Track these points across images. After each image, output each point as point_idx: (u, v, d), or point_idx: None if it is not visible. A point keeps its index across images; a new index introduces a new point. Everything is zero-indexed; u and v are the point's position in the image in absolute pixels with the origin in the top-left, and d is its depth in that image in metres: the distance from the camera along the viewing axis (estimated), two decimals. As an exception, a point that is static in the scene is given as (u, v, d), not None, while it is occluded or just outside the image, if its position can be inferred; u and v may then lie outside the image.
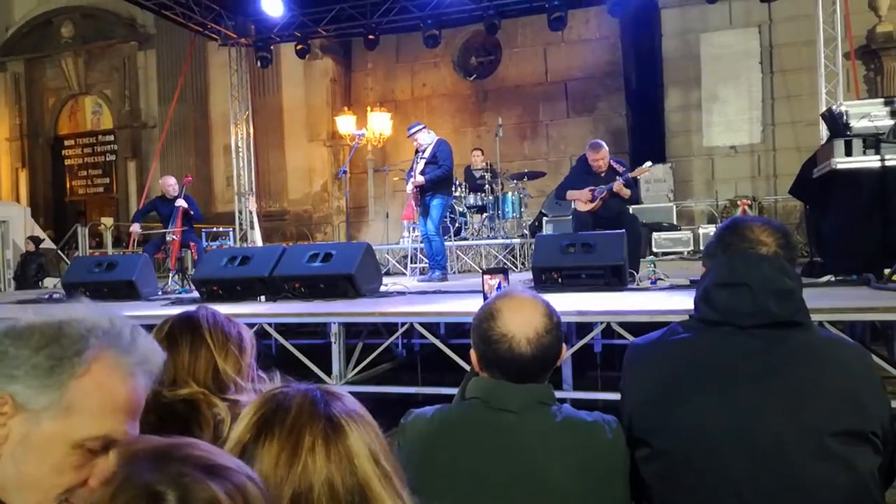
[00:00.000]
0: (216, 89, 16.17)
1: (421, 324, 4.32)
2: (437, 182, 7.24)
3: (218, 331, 1.61)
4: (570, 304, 4.02)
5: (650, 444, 1.47)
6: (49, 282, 11.41)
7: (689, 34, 13.18)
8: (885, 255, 4.66)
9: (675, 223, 11.75)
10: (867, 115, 5.12)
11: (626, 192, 6.32)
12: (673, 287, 5.07)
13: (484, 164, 10.36)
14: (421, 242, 8.20)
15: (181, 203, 8.16)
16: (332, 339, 4.37)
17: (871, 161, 4.99)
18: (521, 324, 1.47)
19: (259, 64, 13.06)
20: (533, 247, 7.19)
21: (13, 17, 18.47)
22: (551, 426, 1.46)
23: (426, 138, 7.40)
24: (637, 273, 5.53)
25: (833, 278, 4.75)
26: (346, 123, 14.06)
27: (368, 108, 14.46)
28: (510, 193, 10.14)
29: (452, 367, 4.03)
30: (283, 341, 4.55)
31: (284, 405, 1.01)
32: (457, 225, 9.85)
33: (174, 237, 8.03)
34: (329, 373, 4.39)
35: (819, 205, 5.80)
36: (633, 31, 13.93)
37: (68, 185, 18.78)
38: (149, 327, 1.62)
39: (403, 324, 4.40)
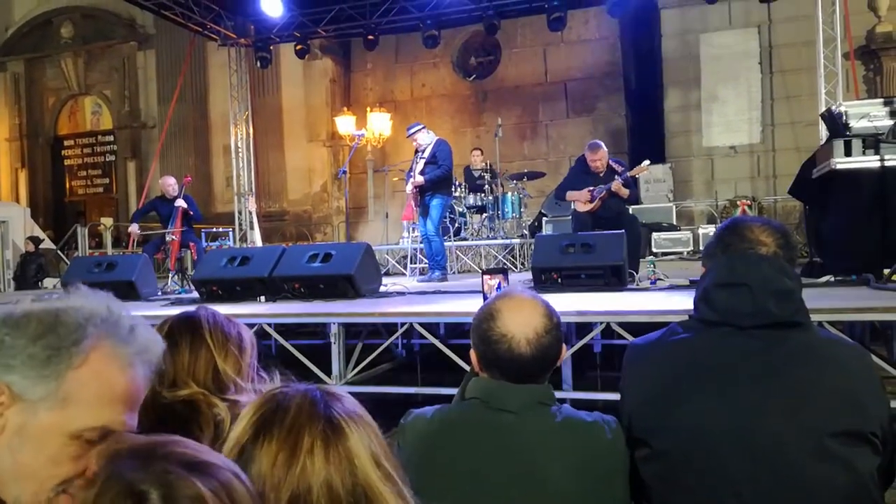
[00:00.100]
0: (216, 89, 16.16)
1: (420, 324, 4.32)
2: (437, 182, 7.24)
3: (218, 331, 1.61)
4: (569, 304, 4.02)
5: (650, 445, 1.47)
6: (49, 282, 11.41)
7: (688, 34, 13.19)
8: (884, 255, 4.67)
9: (674, 223, 11.76)
10: (866, 115, 5.12)
11: (625, 192, 6.32)
12: (672, 287, 5.07)
13: (483, 164, 10.37)
14: (420, 243, 8.20)
15: (181, 203, 8.16)
16: (332, 340, 4.37)
17: (870, 161, 5.00)
18: (520, 324, 1.47)
19: (259, 64, 13.07)
20: (532, 247, 7.19)
21: (13, 16, 18.47)
22: (551, 426, 1.46)
23: (425, 138, 7.40)
24: (637, 273, 5.53)
25: (832, 278, 4.75)
26: (345, 124, 14.06)
27: (368, 109, 14.47)
28: (510, 194, 10.14)
29: (452, 368, 4.03)
30: (282, 341, 4.55)
31: (283, 406, 1.01)
32: (456, 225, 9.85)
33: (174, 237, 8.03)
34: (329, 373, 4.39)
35: (818, 205, 5.80)
36: (633, 32, 13.93)
37: (68, 186, 18.77)
38: (142, 320, 1.62)
39: (403, 324, 4.40)
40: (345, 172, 8.04)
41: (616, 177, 6.34)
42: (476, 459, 1.42)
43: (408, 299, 5.47)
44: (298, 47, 12.70)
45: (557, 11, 11.11)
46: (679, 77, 13.50)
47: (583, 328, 4.25)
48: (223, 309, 1.76)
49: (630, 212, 7.16)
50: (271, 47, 13.08)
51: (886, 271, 4.41)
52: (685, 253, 10.93)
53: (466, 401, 1.53)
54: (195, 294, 6.13)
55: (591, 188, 6.42)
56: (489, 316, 1.50)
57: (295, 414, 0.99)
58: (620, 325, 3.82)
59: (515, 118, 14.59)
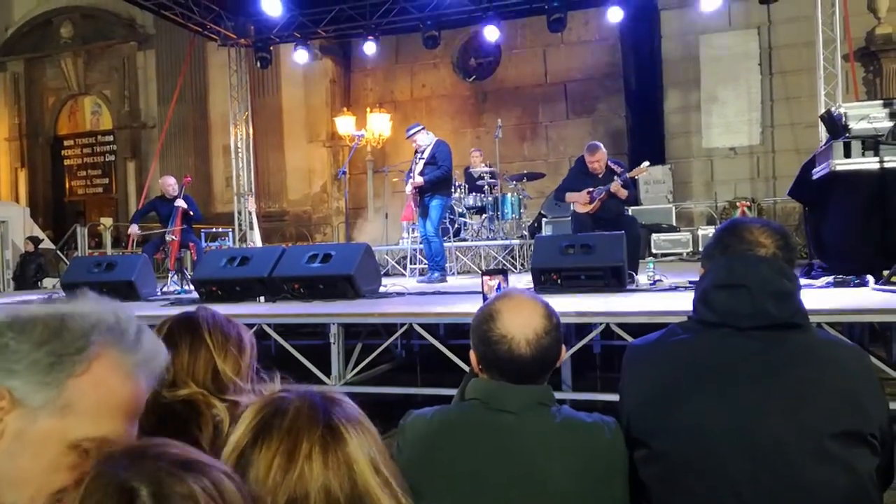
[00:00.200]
0: (215, 90, 16.16)
1: (420, 325, 4.32)
2: (436, 183, 7.24)
3: (217, 331, 1.61)
4: (569, 305, 4.03)
5: (649, 446, 1.47)
6: (48, 282, 11.41)
7: (688, 36, 13.19)
8: (883, 256, 4.67)
9: (674, 224, 11.77)
10: (866, 116, 5.13)
11: (624, 193, 6.33)
12: (672, 288, 5.07)
13: (483, 165, 10.37)
14: (420, 243, 8.20)
15: (180, 203, 8.16)
16: (332, 340, 4.37)
17: (869, 163, 5.00)
18: (520, 325, 1.47)
19: (258, 64, 13.06)
20: (532, 248, 7.19)
21: (13, 16, 18.47)
22: (551, 427, 1.46)
23: (425, 139, 7.41)
24: (636, 274, 5.53)
25: (832, 280, 4.75)
26: (345, 124, 14.06)
27: (368, 109, 14.47)
28: (509, 194, 10.14)
29: (452, 368, 4.03)
30: (282, 342, 4.55)
31: (282, 410, 1.00)
32: (456, 226, 9.85)
33: (173, 237, 8.02)
34: (328, 373, 4.39)
35: (818, 206, 5.81)
36: (633, 33, 13.93)
37: (67, 186, 18.77)
38: (148, 328, 1.62)
39: (402, 325, 4.41)
40: (345, 173, 8.04)
41: (615, 178, 6.35)
42: (476, 460, 1.42)
43: (407, 300, 5.48)
44: (298, 48, 12.70)
45: (557, 13, 11.11)
46: (679, 78, 13.51)
47: (582, 329, 4.25)
48: (223, 309, 1.76)
49: (629, 213, 7.17)
50: (271, 48, 13.07)
51: (886, 273, 4.41)
52: (685, 254, 10.94)
53: (466, 401, 1.53)
54: (195, 294, 6.14)
55: (591, 189, 6.43)
56: (489, 317, 1.50)
57: (294, 418, 0.99)
58: (620, 326, 3.82)
59: (515, 119, 14.59)
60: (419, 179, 7.21)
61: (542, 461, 1.41)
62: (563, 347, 1.55)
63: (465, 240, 9.95)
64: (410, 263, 9.66)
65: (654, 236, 11.17)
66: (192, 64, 15.71)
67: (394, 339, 4.64)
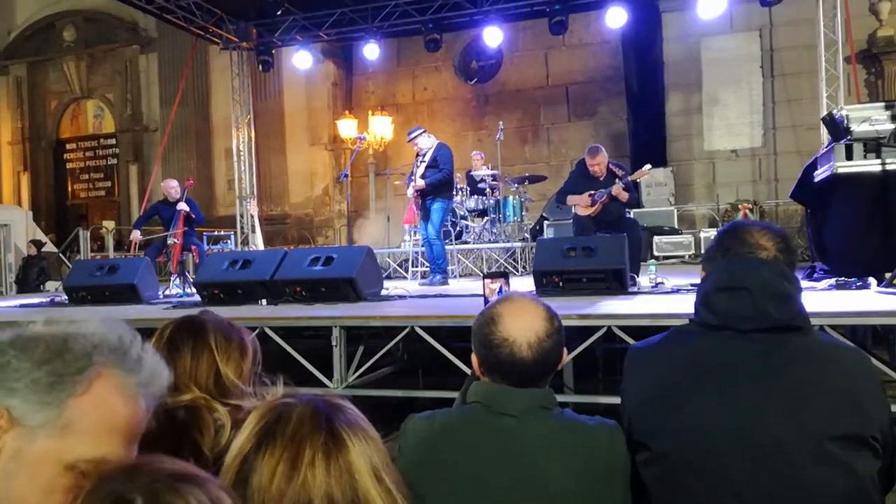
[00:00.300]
0: (218, 93, 16.19)
1: (422, 327, 4.31)
2: (438, 186, 7.24)
3: (220, 335, 1.61)
4: (571, 307, 4.02)
5: (649, 447, 1.47)
6: (51, 285, 11.41)
7: (689, 38, 13.19)
8: (886, 259, 4.67)
9: (676, 227, 11.76)
10: (868, 119, 5.12)
11: (625, 196, 6.33)
12: (674, 291, 5.07)
13: (485, 167, 10.37)
14: (422, 246, 8.20)
15: (183, 206, 8.17)
16: (334, 343, 4.37)
17: (872, 165, 5.00)
18: (522, 328, 1.47)
19: (260, 68, 13.08)
20: (534, 250, 7.19)
21: (16, 20, 18.52)
22: (552, 430, 1.46)
23: (426, 142, 7.41)
24: (638, 277, 5.53)
25: (834, 282, 4.75)
26: (347, 127, 14.08)
27: (369, 112, 14.49)
28: (511, 197, 10.14)
29: (453, 371, 4.03)
30: (284, 345, 4.55)
31: (286, 416, 1.01)
32: (458, 228, 9.85)
33: (176, 240, 8.03)
34: (330, 376, 4.39)
35: (820, 209, 5.80)
36: (635, 36, 13.93)
37: (70, 189, 18.80)
38: (150, 331, 1.62)
39: (404, 327, 4.40)
40: (346, 176, 8.04)
41: (617, 180, 6.35)
42: (477, 463, 1.42)
43: (409, 303, 5.48)
44: (300, 51, 12.72)
45: (559, 15, 11.11)
46: (680, 81, 13.51)
47: (584, 332, 4.25)
48: (225, 312, 1.76)
49: (631, 215, 7.17)
50: (273, 51, 13.10)
51: (888, 275, 4.40)
52: (686, 256, 10.93)
53: (468, 405, 1.53)
54: (197, 297, 6.14)
55: (592, 192, 6.43)
56: (490, 320, 1.50)
57: (297, 425, 0.99)
58: (622, 328, 3.82)
59: (517, 122, 14.60)
60: (421, 182, 7.21)
61: (543, 464, 1.41)
62: (565, 350, 1.56)
63: (466, 242, 9.95)
64: (412, 266, 9.66)
65: (656, 239, 11.16)
66: (195, 67, 15.74)
67: (395, 342, 4.63)
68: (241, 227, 13.54)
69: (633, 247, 5.67)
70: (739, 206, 11.69)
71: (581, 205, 6.49)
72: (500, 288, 3.74)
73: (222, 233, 12.45)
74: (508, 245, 9.71)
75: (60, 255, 13.72)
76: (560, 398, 1.61)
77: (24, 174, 18.59)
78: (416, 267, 9.51)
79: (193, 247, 8.36)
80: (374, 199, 14.73)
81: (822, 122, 7.73)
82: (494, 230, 9.90)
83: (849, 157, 5.09)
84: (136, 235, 8.67)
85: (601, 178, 6.46)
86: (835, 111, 5.58)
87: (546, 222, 11.34)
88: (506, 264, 9.53)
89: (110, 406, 0.93)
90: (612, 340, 4.23)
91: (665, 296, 4.89)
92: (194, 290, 6.44)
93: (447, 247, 8.37)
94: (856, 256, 5.02)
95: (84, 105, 18.40)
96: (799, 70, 12.33)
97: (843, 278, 4.73)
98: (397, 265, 10.24)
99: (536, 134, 14.77)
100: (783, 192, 11.22)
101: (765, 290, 1.45)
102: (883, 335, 4.39)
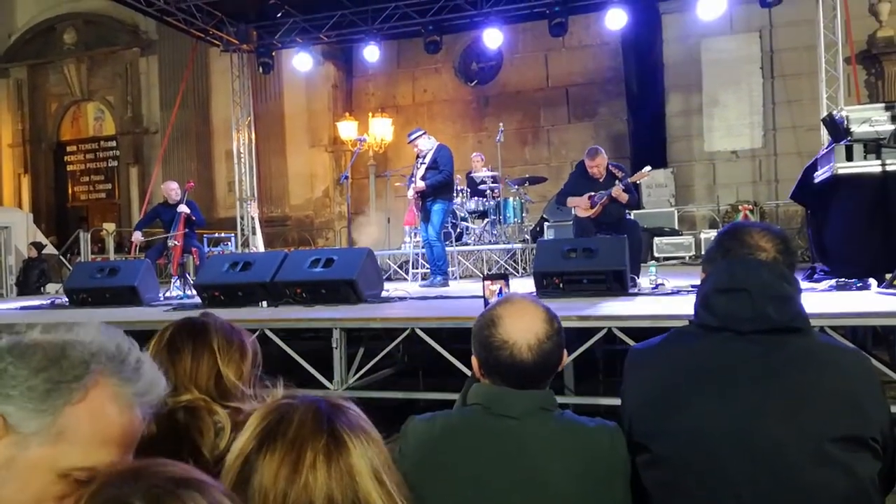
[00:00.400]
0: (218, 95, 16.19)
1: (422, 329, 4.31)
2: (438, 187, 7.25)
3: (220, 337, 1.61)
4: (571, 309, 4.02)
5: (650, 449, 1.47)
6: (51, 287, 11.42)
7: (689, 39, 13.20)
8: (886, 260, 4.67)
9: (676, 228, 11.76)
10: (868, 119, 5.12)
11: (625, 197, 6.33)
12: (674, 292, 5.07)
13: (485, 169, 10.38)
14: (422, 248, 8.21)
15: (183, 209, 8.17)
16: (334, 345, 4.37)
17: (872, 166, 5.00)
18: (522, 330, 1.47)
19: (261, 70, 13.09)
20: (534, 252, 7.19)
21: (16, 23, 18.53)
22: (552, 432, 1.46)
23: (426, 144, 7.41)
24: (638, 278, 5.53)
25: (835, 283, 4.75)
26: (347, 129, 14.08)
27: (370, 114, 14.50)
28: (511, 199, 10.15)
29: (454, 373, 4.03)
30: (284, 347, 4.55)
31: (288, 417, 1.01)
32: (458, 230, 9.85)
33: (176, 242, 8.03)
34: (330, 378, 4.39)
35: (820, 210, 5.80)
36: (635, 37, 13.94)
37: (70, 191, 18.81)
38: (150, 333, 1.63)
39: (405, 329, 4.40)
40: (347, 177, 8.05)
41: (617, 182, 6.35)
42: (478, 465, 1.43)
43: (409, 304, 5.48)
44: (300, 53, 12.73)
45: (559, 17, 11.12)
46: (680, 82, 13.52)
47: (584, 333, 4.25)
48: (225, 314, 1.77)
49: (631, 217, 7.17)
50: (273, 53, 13.11)
51: (888, 276, 4.40)
52: (687, 258, 10.93)
53: (468, 406, 1.53)
54: (197, 299, 6.15)
55: (592, 194, 6.43)
56: (490, 322, 1.50)
57: (298, 426, 0.99)
58: (622, 330, 3.82)
59: (517, 123, 14.60)
60: (421, 184, 7.21)
61: (543, 466, 1.41)
62: (565, 352, 1.56)
63: (467, 244, 9.95)
64: (413, 268, 9.66)
65: (657, 240, 11.16)
66: (195, 69, 15.76)
67: (396, 344, 4.64)
68: (242, 229, 13.54)
69: (634, 248, 5.67)
70: (740, 207, 11.69)
71: (581, 206, 6.50)
72: (500, 289, 3.74)
73: (223, 235, 12.45)
74: (509, 246, 9.71)
75: (61, 257, 13.72)
76: (560, 400, 1.61)
77: (25, 176, 18.60)
78: (417, 269, 9.51)
79: (194, 249, 8.37)
80: (375, 201, 14.73)
81: (822, 123, 7.73)
82: (495, 232, 9.90)
83: (849, 157, 5.09)
84: (137, 236, 8.67)
85: (601, 180, 6.46)
86: (835, 112, 5.59)
87: (546, 224, 11.34)
88: (506, 266, 9.53)
89: (106, 415, 0.92)
90: (613, 342, 4.23)
91: (665, 297, 4.89)
92: (195, 292, 6.44)
93: (447, 248, 8.37)
94: (856, 257, 5.02)
95: (84, 107, 18.41)
96: (799, 71, 12.33)
97: (843, 279, 4.73)
98: (398, 267, 10.24)
99: (536, 135, 14.78)
100: (783, 193, 11.21)
101: (764, 292, 1.45)
102: (883, 336, 4.39)
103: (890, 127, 5.05)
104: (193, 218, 8.28)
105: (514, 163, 13.86)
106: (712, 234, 10.58)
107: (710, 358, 1.47)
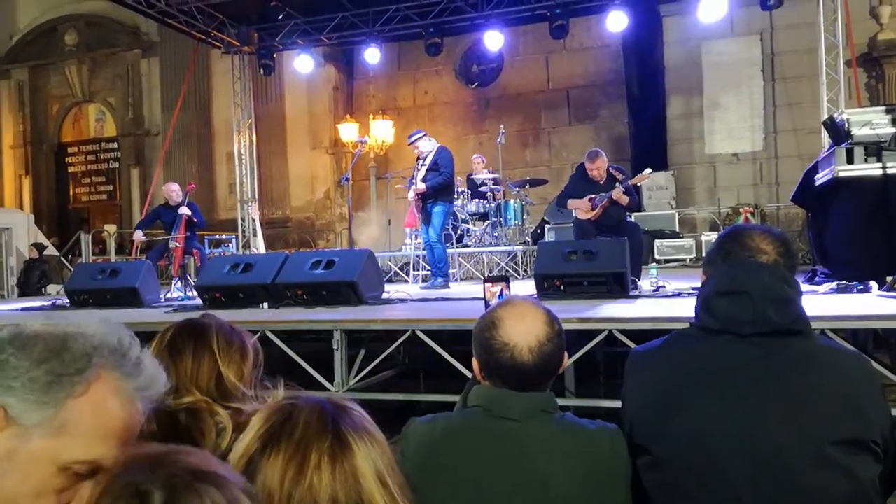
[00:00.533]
0: (219, 97, 16.21)
1: (423, 331, 4.32)
2: (439, 189, 7.25)
3: (221, 338, 1.61)
4: (572, 311, 4.03)
5: (650, 452, 1.47)
6: (52, 289, 11.41)
7: (690, 42, 13.21)
8: (887, 262, 4.66)
9: (677, 231, 11.76)
10: (869, 122, 5.12)
11: (625, 200, 6.33)
12: (675, 295, 5.07)
13: (486, 171, 10.38)
14: (423, 250, 8.21)
15: (185, 210, 8.18)
16: (335, 347, 4.37)
17: (872, 169, 5.00)
18: (522, 332, 1.48)
19: (262, 72, 13.11)
20: (535, 254, 7.19)
21: (18, 24, 18.56)
22: (553, 434, 1.46)
23: (427, 146, 7.42)
24: (639, 281, 5.53)
25: (835, 286, 4.75)
26: (348, 131, 14.09)
27: (371, 116, 14.51)
28: (512, 201, 10.15)
29: (454, 375, 4.03)
30: (285, 348, 4.55)
31: (293, 418, 1.01)
32: (459, 232, 9.85)
33: (177, 244, 8.04)
34: (331, 380, 4.39)
35: (821, 212, 5.80)
36: (635, 39, 13.95)
37: (72, 193, 18.82)
38: (151, 334, 1.63)
39: (405, 331, 4.40)
40: (348, 179, 8.05)
41: (617, 184, 6.35)
42: (478, 467, 1.43)
43: (410, 306, 5.48)
44: (301, 55, 12.74)
45: (560, 19, 11.13)
46: (681, 84, 13.53)
47: (585, 335, 4.25)
48: (226, 316, 1.77)
49: (632, 219, 7.17)
50: (274, 55, 13.12)
51: (889, 278, 4.40)
52: (688, 260, 10.93)
53: (469, 408, 1.53)
54: (198, 301, 6.15)
55: (592, 196, 6.43)
56: (491, 325, 1.51)
57: (304, 427, 0.99)
58: (623, 332, 3.82)
59: (518, 125, 14.61)
60: (421, 186, 7.22)
61: (544, 468, 1.41)
62: (566, 354, 1.56)
63: (467, 246, 9.95)
64: (413, 270, 9.66)
65: (657, 242, 11.16)
66: (196, 71, 15.77)
67: (396, 346, 4.64)
68: (243, 231, 13.55)
69: (635, 250, 5.67)
70: (741, 210, 11.69)
71: (581, 209, 6.50)
72: (501, 292, 3.74)
73: (224, 236, 12.44)
74: (509, 248, 9.71)
75: (62, 258, 13.72)
76: (561, 402, 1.61)
77: (26, 178, 18.62)
78: (417, 270, 9.51)
79: (195, 250, 8.37)
80: (376, 203, 14.74)
81: (822, 126, 7.73)
82: (495, 234, 9.90)
83: (850, 160, 5.09)
84: (139, 236, 8.68)
85: (601, 182, 6.46)
86: (836, 115, 5.59)
87: (547, 226, 11.34)
88: (507, 268, 9.53)
89: (108, 409, 0.92)
90: (614, 344, 4.23)
91: (666, 299, 4.89)
92: (196, 293, 6.45)
93: (448, 250, 8.37)
94: (857, 260, 5.02)
95: (86, 109, 18.43)
96: (800, 74, 12.34)
97: (844, 282, 4.73)
98: (398, 268, 10.24)
99: (537, 137, 14.78)
100: (784, 196, 11.21)
101: (765, 295, 1.45)
102: (884, 339, 4.39)
103: (891, 130, 5.05)
104: (194, 220, 8.28)
105: (515, 165, 13.86)
106: (713, 236, 10.58)
107: (710, 360, 1.47)
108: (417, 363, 5.54)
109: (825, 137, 8.24)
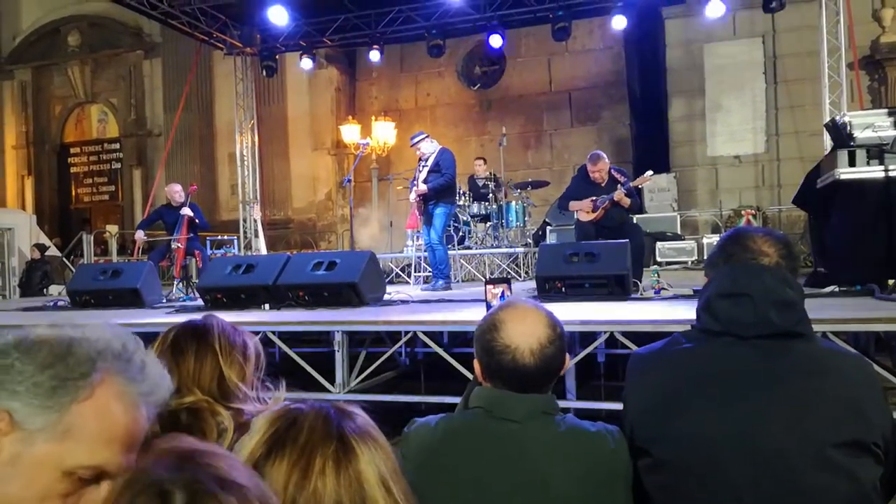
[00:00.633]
0: (221, 98, 16.24)
1: (424, 333, 4.32)
2: (440, 190, 7.25)
3: (223, 339, 1.62)
4: (573, 313, 4.03)
5: (651, 454, 1.47)
6: (54, 289, 11.43)
7: (693, 44, 13.21)
8: (889, 265, 4.66)
9: (678, 233, 11.75)
10: (871, 125, 5.12)
11: (627, 202, 6.34)
12: (676, 297, 5.07)
13: (487, 173, 10.39)
14: (424, 251, 8.21)
15: (186, 211, 8.18)
16: (336, 348, 4.38)
17: (874, 171, 5.00)
18: (524, 335, 1.48)
19: (264, 73, 13.11)
20: (537, 256, 7.19)
21: (21, 25, 18.61)
22: (554, 436, 1.46)
23: (429, 147, 7.42)
24: (640, 283, 5.53)
25: (837, 289, 4.74)
26: (350, 132, 14.11)
27: (373, 117, 14.53)
28: (514, 202, 10.15)
29: (455, 376, 4.03)
30: (286, 349, 4.55)
31: (297, 423, 1.01)
32: (460, 234, 9.86)
33: (179, 245, 8.04)
34: (332, 381, 4.39)
35: (823, 215, 5.80)
36: (638, 42, 13.96)
37: (74, 193, 18.85)
38: (153, 335, 1.63)
39: (406, 332, 4.41)
40: (350, 181, 8.06)
41: (619, 186, 6.35)
42: (479, 468, 1.43)
43: (411, 308, 5.48)
44: (304, 56, 12.76)
45: (562, 21, 11.14)
46: (683, 87, 13.53)
47: (587, 337, 4.25)
48: (227, 317, 1.77)
49: (633, 221, 7.17)
50: (277, 56, 13.13)
51: (891, 282, 4.40)
52: (689, 262, 10.92)
53: (470, 410, 1.53)
54: (200, 302, 6.15)
55: (594, 198, 6.43)
56: (492, 327, 1.51)
57: (308, 433, 0.99)
58: (624, 334, 3.82)
59: (519, 127, 14.62)
60: (423, 187, 7.22)
61: (545, 469, 1.41)
62: (567, 356, 1.56)
63: (469, 248, 9.96)
64: (415, 271, 9.66)
65: (659, 244, 11.15)
66: (199, 72, 15.79)
67: (398, 347, 4.64)
68: (245, 232, 13.56)
69: (636, 252, 5.67)
70: (742, 212, 11.67)
71: (583, 210, 6.50)
72: (503, 293, 3.74)
73: (225, 237, 12.46)
74: (511, 250, 9.71)
75: (64, 259, 13.75)
76: (562, 404, 1.61)
77: (28, 178, 18.65)
78: (419, 272, 9.52)
79: (196, 251, 8.37)
80: (377, 204, 14.75)
81: (824, 129, 7.73)
82: (497, 235, 9.91)
83: (851, 163, 5.09)
84: (140, 235, 8.69)
85: (603, 184, 6.47)
86: (837, 117, 5.59)
87: (549, 227, 11.34)
88: (508, 269, 9.54)
89: (112, 413, 0.92)
90: (615, 346, 4.23)
91: (667, 302, 4.89)
92: (197, 294, 6.45)
93: (449, 252, 8.37)
94: (858, 262, 5.01)
95: (88, 110, 18.46)
96: (802, 76, 12.34)
97: (845, 284, 4.72)
98: (399, 270, 10.25)
99: (539, 139, 14.79)
100: (786, 198, 11.21)
101: (767, 297, 1.45)
102: (885, 341, 4.39)
103: (893, 132, 5.05)
104: (196, 220, 8.29)
105: (517, 167, 13.87)
106: (715, 238, 10.57)
107: (712, 363, 1.47)
108: (418, 364, 5.55)
109: (827, 140, 8.26)
